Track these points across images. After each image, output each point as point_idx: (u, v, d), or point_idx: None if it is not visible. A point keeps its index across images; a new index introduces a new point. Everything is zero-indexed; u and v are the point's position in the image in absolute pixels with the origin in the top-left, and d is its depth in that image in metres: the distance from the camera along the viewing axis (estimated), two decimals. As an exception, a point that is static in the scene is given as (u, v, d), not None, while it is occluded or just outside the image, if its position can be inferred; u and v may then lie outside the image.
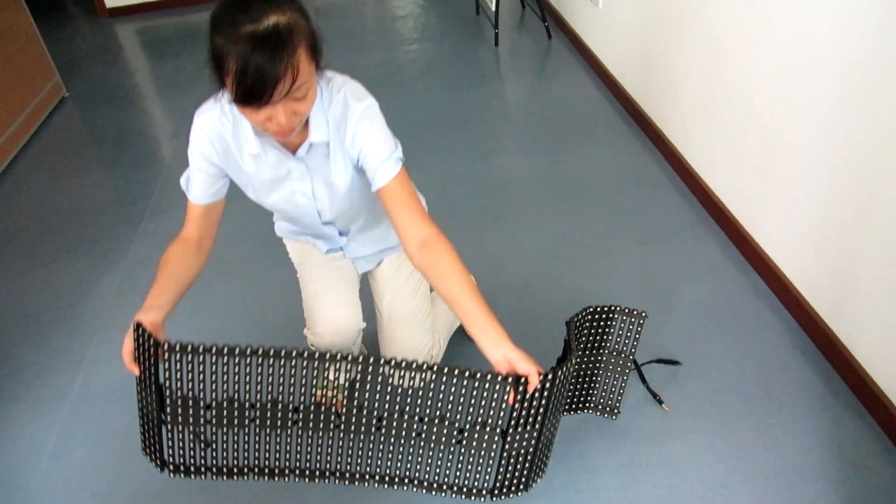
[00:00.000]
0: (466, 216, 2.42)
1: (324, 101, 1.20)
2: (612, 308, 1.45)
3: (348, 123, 1.20)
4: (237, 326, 2.01)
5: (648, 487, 1.46)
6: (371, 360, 1.10)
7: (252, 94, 1.00)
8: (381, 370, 1.12)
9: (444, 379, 1.09)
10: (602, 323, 1.46)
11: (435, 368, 1.08)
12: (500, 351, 1.07)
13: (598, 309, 1.44)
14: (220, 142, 1.23)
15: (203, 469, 1.19)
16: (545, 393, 1.10)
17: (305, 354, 1.11)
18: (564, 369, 1.14)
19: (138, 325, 1.10)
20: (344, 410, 1.17)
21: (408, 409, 1.14)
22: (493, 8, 3.78)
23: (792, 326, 1.82)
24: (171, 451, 1.18)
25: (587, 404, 1.60)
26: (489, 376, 1.07)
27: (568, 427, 1.60)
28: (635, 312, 1.46)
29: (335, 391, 1.71)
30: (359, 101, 1.20)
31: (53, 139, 3.33)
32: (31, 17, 3.51)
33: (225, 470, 1.20)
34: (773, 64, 1.81)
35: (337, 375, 1.45)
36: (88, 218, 2.65)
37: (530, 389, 1.06)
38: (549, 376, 1.08)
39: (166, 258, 1.24)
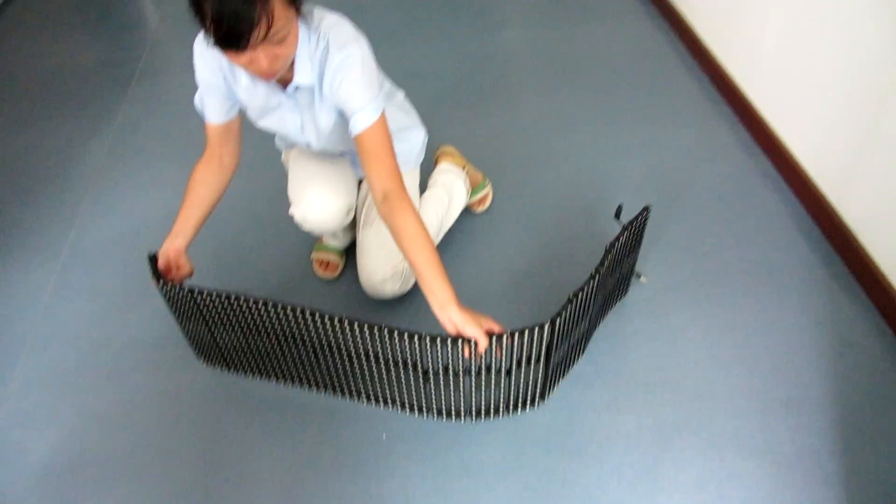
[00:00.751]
0: (469, 90, 2.33)
1: (311, 44, 1.21)
2: (626, 226, 1.35)
3: (326, 73, 1.22)
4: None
5: (641, 355, 1.48)
6: (336, 319, 1.19)
7: (229, 39, 1.03)
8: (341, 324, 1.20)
9: (396, 338, 1.17)
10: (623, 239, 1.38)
11: (386, 331, 1.16)
12: (446, 314, 1.14)
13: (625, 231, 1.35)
14: (218, 68, 1.28)
15: (223, 365, 1.49)
16: (504, 346, 1.17)
17: (279, 307, 1.22)
18: (520, 336, 1.17)
19: (152, 257, 1.31)
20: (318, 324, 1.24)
21: (379, 351, 1.23)
22: None
23: (796, 209, 1.79)
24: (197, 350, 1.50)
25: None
26: (438, 340, 1.15)
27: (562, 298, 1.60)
28: (642, 215, 1.39)
29: (330, 255, 1.70)
30: (339, 49, 1.21)
31: (33, 3, 3.15)
32: None
33: (234, 367, 1.48)
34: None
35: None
36: (75, 81, 2.55)
37: (480, 351, 1.14)
38: (507, 337, 1.15)
39: (191, 181, 1.36)
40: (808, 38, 1.73)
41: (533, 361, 1.24)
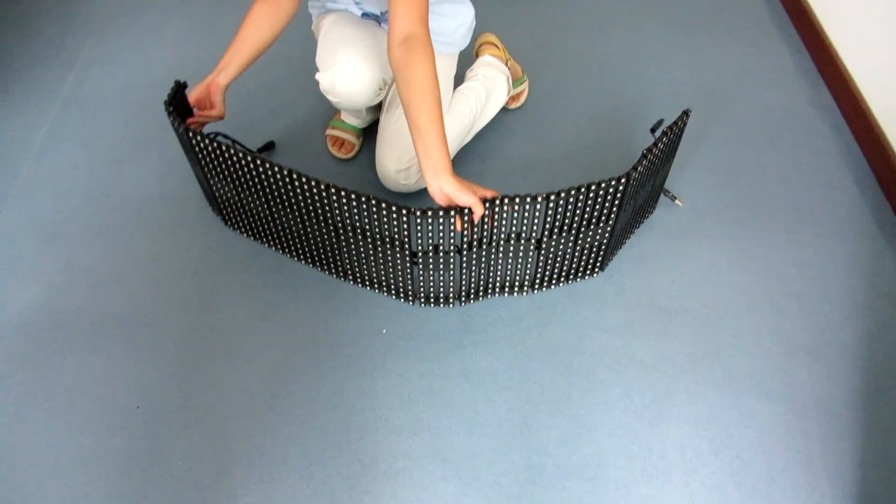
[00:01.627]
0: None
1: None
2: (665, 131, 1.24)
3: None
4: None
5: (665, 281, 1.39)
6: (322, 184, 1.13)
7: None
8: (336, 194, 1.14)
9: (383, 211, 1.11)
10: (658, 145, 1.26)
11: (374, 202, 1.10)
12: (437, 182, 1.07)
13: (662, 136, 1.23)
14: None
15: (220, 216, 1.44)
16: (495, 216, 1.14)
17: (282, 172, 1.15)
18: (518, 201, 1.12)
19: (181, 83, 1.24)
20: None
21: (367, 227, 1.18)
22: None
23: (852, 148, 1.66)
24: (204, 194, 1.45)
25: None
26: (430, 213, 1.09)
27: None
28: (682, 119, 1.27)
29: (346, 133, 1.58)
30: None
31: None
32: None
33: (228, 222, 1.43)
34: None
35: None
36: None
37: (476, 219, 1.09)
38: (499, 201, 1.11)
39: (245, 19, 1.28)
40: (905, -44, 1.54)
41: (524, 238, 1.19)
